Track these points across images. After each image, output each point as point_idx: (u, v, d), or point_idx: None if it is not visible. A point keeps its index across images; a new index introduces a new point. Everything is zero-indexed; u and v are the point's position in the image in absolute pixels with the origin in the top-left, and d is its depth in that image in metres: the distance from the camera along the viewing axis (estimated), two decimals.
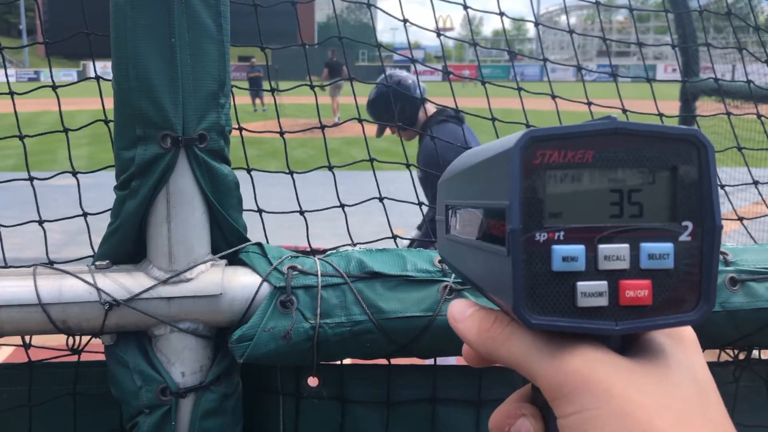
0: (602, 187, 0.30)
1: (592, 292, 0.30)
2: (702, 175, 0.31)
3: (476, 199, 0.35)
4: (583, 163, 0.30)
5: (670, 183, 0.31)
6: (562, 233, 0.30)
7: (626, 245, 0.30)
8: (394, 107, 2.63)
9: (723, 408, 0.31)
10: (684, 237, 0.31)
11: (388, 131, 2.74)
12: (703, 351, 0.89)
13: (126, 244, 0.75)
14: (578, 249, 0.30)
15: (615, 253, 0.30)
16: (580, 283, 0.30)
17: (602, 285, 0.30)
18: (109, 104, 0.77)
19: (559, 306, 0.30)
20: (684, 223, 0.31)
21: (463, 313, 0.36)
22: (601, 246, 0.30)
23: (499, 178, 0.31)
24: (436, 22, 1.31)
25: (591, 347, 0.30)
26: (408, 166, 1.09)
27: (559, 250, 0.30)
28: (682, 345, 0.33)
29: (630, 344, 0.33)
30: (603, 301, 0.30)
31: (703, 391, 0.31)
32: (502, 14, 1.16)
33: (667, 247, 0.30)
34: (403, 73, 2.74)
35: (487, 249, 0.33)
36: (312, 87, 1.01)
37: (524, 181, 0.30)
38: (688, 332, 0.34)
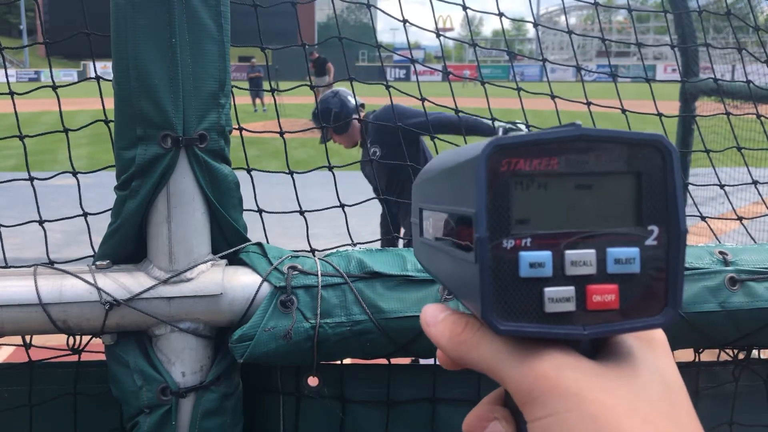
0: (568, 193, 0.31)
1: (559, 297, 0.30)
2: (667, 180, 0.31)
3: (446, 204, 0.35)
4: (549, 170, 0.30)
5: (635, 188, 0.31)
6: (529, 240, 0.30)
7: (593, 251, 0.30)
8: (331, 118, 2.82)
9: (692, 410, 0.31)
10: (650, 241, 0.31)
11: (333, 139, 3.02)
12: (703, 351, 0.89)
13: (126, 244, 0.76)
14: (545, 255, 0.30)
15: (581, 258, 0.30)
16: (547, 289, 0.30)
17: (569, 290, 0.30)
18: (110, 104, 0.77)
19: (527, 312, 0.30)
20: (650, 228, 0.31)
21: (436, 318, 0.36)
22: (567, 252, 0.30)
23: (467, 186, 0.31)
24: (436, 23, 1.31)
25: (560, 351, 0.31)
26: (408, 166, 1.09)
27: (527, 256, 0.30)
28: (651, 347, 0.33)
29: (599, 348, 0.33)
30: (570, 306, 0.30)
31: (671, 393, 0.31)
32: (501, 15, 1.16)
33: (633, 251, 0.31)
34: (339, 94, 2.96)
35: (456, 255, 0.33)
36: (312, 87, 1.01)
37: (491, 189, 0.30)
38: (657, 335, 0.35)
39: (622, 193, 0.31)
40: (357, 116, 2.72)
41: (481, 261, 0.30)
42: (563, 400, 0.29)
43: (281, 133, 0.98)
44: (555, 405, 0.29)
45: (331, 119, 2.80)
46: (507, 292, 0.30)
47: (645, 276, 0.31)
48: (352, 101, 2.93)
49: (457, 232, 0.33)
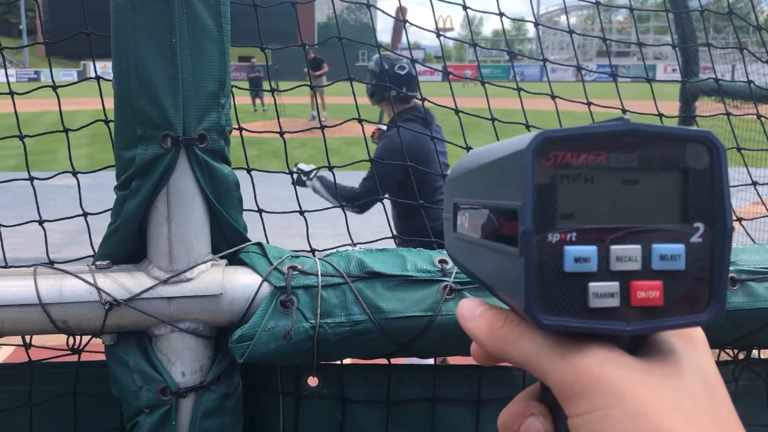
0: (614, 188, 0.30)
1: (603, 292, 0.30)
2: (714, 177, 0.31)
3: (486, 198, 0.35)
4: (596, 165, 0.30)
5: (681, 184, 0.31)
6: (574, 234, 0.30)
7: (638, 246, 0.30)
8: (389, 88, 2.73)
9: (732, 408, 0.31)
10: (695, 238, 0.31)
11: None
12: None
13: (126, 244, 0.76)
14: (590, 250, 0.30)
15: (627, 254, 0.30)
16: (591, 284, 0.30)
17: (614, 286, 0.30)
18: (110, 104, 0.77)
19: (570, 306, 0.30)
20: (695, 225, 0.31)
21: (473, 312, 0.36)
22: (613, 247, 0.30)
23: (511, 179, 0.31)
24: (436, 23, 1.31)
25: (602, 347, 0.31)
26: (409, 167, 1.09)
27: (572, 250, 0.30)
28: (692, 345, 0.33)
29: (640, 344, 0.33)
30: (614, 302, 0.30)
31: (712, 391, 0.31)
32: (501, 14, 1.16)
33: (679, 248, 0.30)
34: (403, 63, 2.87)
35: (498, 249, 0.33)
36: (312, 87, 1.01)
37: (537, 182, 0.30)
38: (697, 333, 0.34)
39: (668, 189, 0.31)
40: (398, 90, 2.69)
41: (526, 255, 0.30)
42: (606, 396, 0.29)
43: (281, 133, 0.98)
44: (597, 400, 0.29)
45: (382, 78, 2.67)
46: (551, 287, 0.30)
47: (689, 273, 0.31)
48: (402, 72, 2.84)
49: (500, 226, 0.33)
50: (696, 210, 0.31)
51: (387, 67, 2.75)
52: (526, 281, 0.30)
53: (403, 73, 2.83)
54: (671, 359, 0.31)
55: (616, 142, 0.30)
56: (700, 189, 0.31)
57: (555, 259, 0.30)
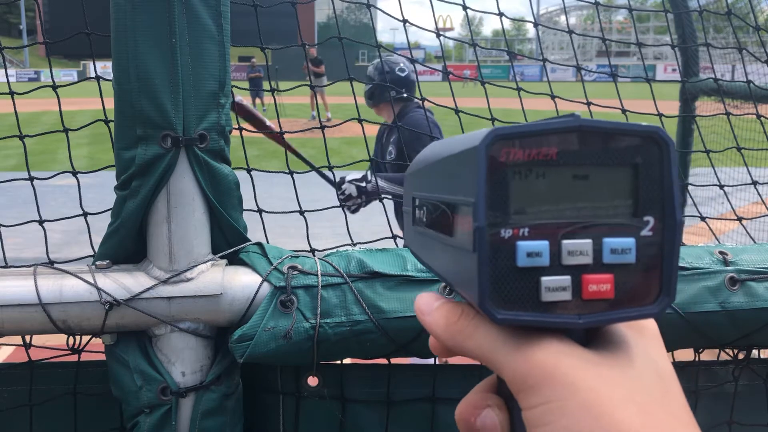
0: (566, 184, 0.31)
1: (556, 286, 0.31)
2: (663, 171, 0.31)
3: (442, 193, 0.35)
4: (547, 161, 0.31)
5: (632, 179, 0.31)
6: (526, 229, 0.31)
7: (589, 240, 0.31)
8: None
9: (684, 399, 0.31)
10: (645, 232, 0.31)
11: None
12: (703, 351, 0.89)
13: (126, 244, 0.76)
14: (542, 245, 0.30)
15: (578, 248, 0.31)
16: (544, 278, 0.31)
17: (566, 280, 0.31)
18: (110, 104, 0.77)
19: (523, 300, 0.31)
20: (646, 218, 0.31)
21: (430, 306, 0.37)
22: (564, 241, 0.31)
23: (465, 175, 0.32)
24: (436, 23, 1.31)
25: (556, 340, 0.31)
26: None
27: (524, 246, 0.30)
28: (643, 337, 0.34)
29: (593, 337, 0.33)
30: (567, 296, 0.31)
31: (664, 382, 0.31)
32: (501, 14, 1.16)
33: (629, 242, 0.31)
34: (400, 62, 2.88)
35: (453, 244, 0.33)
36: (312, 87, 1.01)
37: (489, 179, 0.30)
38: (649, 324, 0.35)
39: (618, 183, 0.31)
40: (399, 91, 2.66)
41: (479, 250, 0.30)
42: (559, 388, 0.29)
43: (281, 133, 0.98)
44: (551, 393, 0.29)
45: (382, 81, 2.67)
46: (504, 281, 0.31)
47: (640, 266, 0.31)
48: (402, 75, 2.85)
49: (454, 221, 0.33)
50: (646, 204, 0.31)
51: (387, 70, 2.76)
52: (480, 276, 0.30)
53: (403, 75, 2.84)
54: (623, 351, 0.32)
55: (567, 138, 0.31)
56: (650, 183, 0.31)
57: (508, 254, 0.30)
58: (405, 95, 2.73)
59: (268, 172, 0.96)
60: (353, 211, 2.46)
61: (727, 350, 0.90)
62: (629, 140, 0.31)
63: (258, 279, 0.75)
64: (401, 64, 2.85)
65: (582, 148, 0.31)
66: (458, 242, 0.33)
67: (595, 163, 0.31)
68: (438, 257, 0.37)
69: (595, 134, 0.31)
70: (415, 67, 1.47)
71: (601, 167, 0.31)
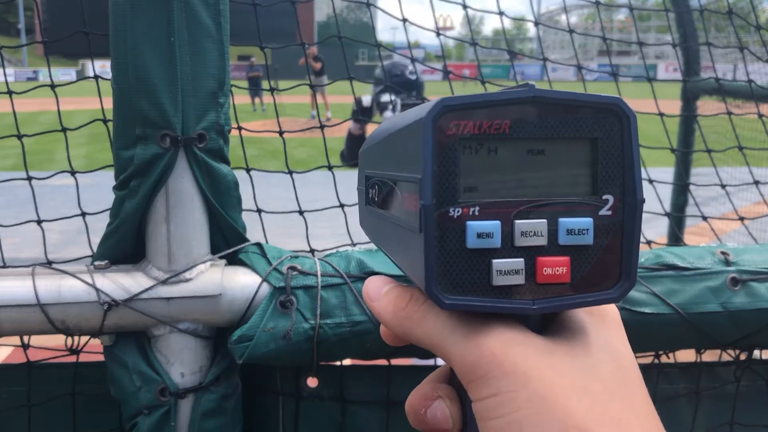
0: (519, 160, 0.29)
1: (508, 269, 0.29)
2: (624, 147, 0.29)
3: (391, 170, 0.33)
4: (500, 134, 0.28)
5: (590, 154, 0.29)
6: (477, 208, 0.28)
7: (544, 221, 0.29)
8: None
9: (644, 388, 0.30)
10: (604, 211, 0.29)
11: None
12: (705, 351, 0.89)
13: (125, 244, 0.75)
14: (494, 225, 0.28)
15: (532, 228, 0.29)
16: (495, 261, 0.29)
17: (519, 262, 0.29)
18: (108, 104, 0.77)
19: (474, 285, 0.29)
20: (605, 197, 0.29)
21: (379, 292, 0.34)
22: (517, 222, 0.29)
23: (413, 150, 0.29)
24: (436, 22, 1.30)
25: (507, 327, 0.29)
26: None
27: (474, 226, 0.28)
28: (603, 323, 0.32)
29: (549, 323, 0.32)
30: (520, 279, 0.29)
31: (623, 371, 0.30)
32: (501, 14, 1.15)
33: (587, 222, 0.29)
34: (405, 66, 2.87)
35: (401, 224, 0.31)
36: (312, 87, 1.01)
37: (437, 154, 0.28)
38: (610, 310, 0.33)
39: (576, 159, 0.29)
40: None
41: (425, 230, 0.28)
42: (510, 379, 0.28)
43: (281, 133, 0.98)
44: (501, 384, 0.28)
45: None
46: (453, 264, 0.29)
47: (598, 248, 0.29)
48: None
49: (403, 200, 0.31)
50: (605, 181, 0.29)
51: (398, 73, 2.77)
52: (426, 259, 0.28)
53: (413, 78, 2.85)
54: (581, 338, 0.30)
55: (521, 110, 0.28)
56: (609, 159, 0.29)
57: (457, 235, 0.28)
58: (419, 97, 2.74)
59: (268, 171, 0.96)
60: (359, 122, 2.40)
61: (728, 351, 0.90)
62: (588, 112, 0.29)
63: (257, 279, 0.74)
64: (410, 67, 2.86)
65: (537, 121, 0.29)
66: (405, 222, 0.31)
67: (552, 137, 0.29)
68: (388, 239, 0.35)
69: (551, 105, 0.29)
70: (415, 66, 1.47)
71: (557, 141, 0.29)
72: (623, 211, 0.29)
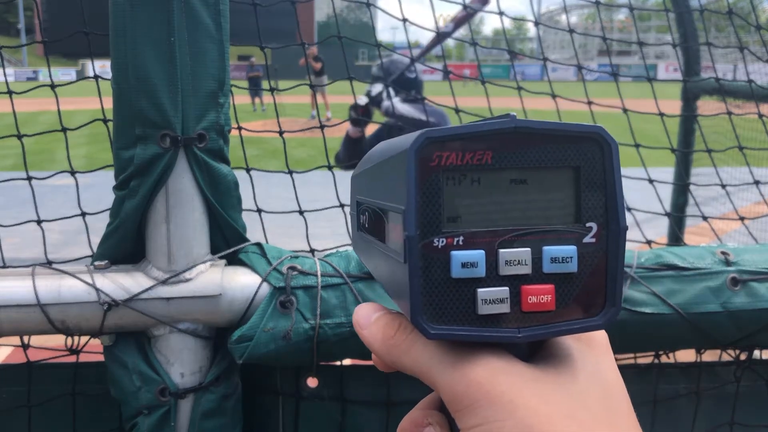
0: (502, 189, 0.29)
1: (493, 298, 0.29)
2: (606, 175, 0.30)
3: (378, 199, 0.34)
4: (482, 165, 0.29)
5: (573, 183, 0.30)
6: (461, 238, 0.29)
7: (528, 249, 0.29)
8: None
9: (632, 414, 0.30)
10: (588, 239, 0.30)
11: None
12: (705, 351, 0.89)
13: (125, 244, 0.75)
14: (478, 254, 0.29)
15: (516, 257, 0.29)
16: (480, 290, 0.29)
17: (503, 291, 0.29)
18: (108, 104, 0.77)
19: (459, 314, 0.29)
20: (588, 225, 0.30)
21: (368, 319, 0.35)
22: (501, 251, 0.29)
23: (397, 180, 0.30)
24: (436, 22, 1.30)
25: (494, 356, 0.29)
26: None
27: (459, 255, 0.29)
28: (591, 349, 0.32)
29: (536, 350, 0.32)
30: (505, 308, 0.29)
31: (611, 398, 0.30)
32: (501, 14, 1.15)
33: (570, 250, 0.29)
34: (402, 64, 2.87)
35: (388, 253, 0.32)
36: (312, 87, 1.01)
37: (420, 185, 0.28)
38: (598, 335, 0.33)
39: (559, 188, 0.30)
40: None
41: (410, 261, 0.28)
42: (497, 408, 0.28)
43: (281, 133, 0.98)
44: (488, 413, 0.28)
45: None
46: (438, 294, 0.29)
47: (583, 275, 0.30)
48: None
49: (390, 229, 0.31)
50: (588, 209, 0.30)
51: (397, 72, 2.77)
52: (412, 289, 0.28)
53: (412, 77, 2.85)
54: (567, 365, 0.30)
55: (503, 140, 0.29)
56: (592, 187, 0.30)
57: (441, 264, 0.29)
58: (419, 96, 2.73)
59: (268, 171, 0.96)
60: (358, 125, 2.40)
61: (728, 351, 0.90)
62: (569, 141, 0.29)
63: (257, 279, 0.74)
64: (409, 65, 2.86)
65: (519, 151, 0.29)
66: (392, 252, 0.31)
67: (534, 167, 0.29)
68: (378, 266, 0.35)
69: (532, 135, 0.29)
70: (415, 66, 1.47)
71: (539, 171, 0.29)
72: (607, 239, 0.30)
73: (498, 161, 0.29)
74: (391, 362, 0.33)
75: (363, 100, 2.65)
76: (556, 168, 0.29)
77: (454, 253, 0.29)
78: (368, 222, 0.36)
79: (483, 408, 0.28)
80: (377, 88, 2.62)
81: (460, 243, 0.29)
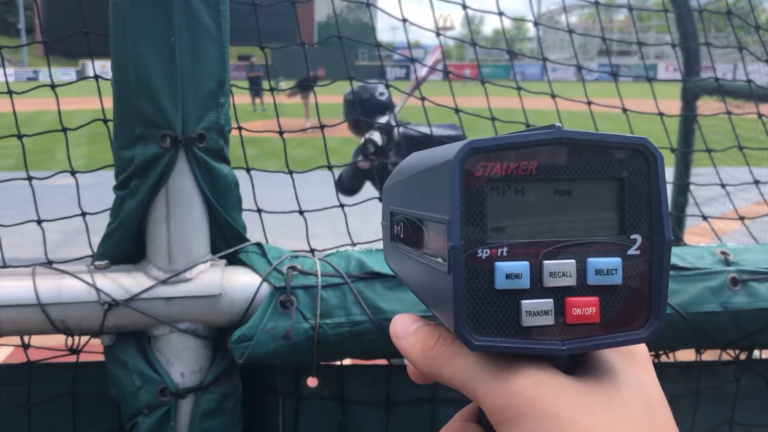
0: (547, 200, 0.29)
1: (537, 310, 0.29)
2: (651, 186, 0.29)
3: (417, 209, 0.33)
4: (527, 175, 0.29)
5: (617, 194, 0.29)
6: (505, 249, 0.29)
7: (572, 261, 0.29)
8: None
9: (674, 426, 0.30)
10: (633, 251, 0.29)
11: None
12: (704, 351, 0.89)
13: (125, 244, 0.75)
14: (522, 265, 0.29)
15: (561, 269, 0.29)
16: (524, 302, 0.29)
17: (548, 303, 0.29)
18: (108, 104, 0.77)
19: (503, 326, 0.29)
20: (633, 237, 0.29)
21: (406, 330, 0.34)
22: (546, 262, 0.29)
23: (440, 191, 0.30)
24: (436, 22, 1.30)
25: (537, 368, 0.29)
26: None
27: (503, 267, 0.28)
28: (632, 362, 0.32)
29: (578, 363, 0.32)
30: (549, 320, 0.29)
31: (653, 410, 0.30)
32: (501, 14, 1.15)
33: (615, 261, 0.29)
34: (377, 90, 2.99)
35: (429, 263, 0.31)
36: (312, 87, 1.01)
37: (465, 195, 0.28)
38: (639, 349, 0.33)
39: (603, 199, 0.29)
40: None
41: (454, 272, 0.28)
42: (540, 421, 0.28)
43: (281, 133, 0.98)
44: (532, 426, 0.28)
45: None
46: (481, 305, 0.29)
47: (627, 287, 0.29)
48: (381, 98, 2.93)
49: (430, 240, 0.31)
50: (633, 221, 0.29)
51: (368, 97, 2.80)
52: (455, 300, 0.28)
53: (384, 99, 2.88)
54: (610, 378, 0.30)
55: (548, 151, 0.29)
56: (637, 199, 0.29)
57: (485, 276, 0.28)
58: (390, 125, 2.77)
59: (268, 171, 0.96)
60: (371, 156, 2.45)
61: (728, 351, 0.90)
62: (614, 153, 0.29)
63: (257, 279, 0.74)
64: (380, 88, 2.91)
65: (564, 162, 0.29)
66: (433, 263, 0.31)
67: (578, 178, 0.29)
68: (415, 277, 0.35)
69: (577, 146, 0.29)
70: (414, 67, 1.47)
71: (584, 182, 0.29)
72: (651, 251, 0.30)
73: (543, 172, 0.29)
74: (431, 373, 0.33)
75: (378, 137, 2.68)
76: (600, 179, 0.29)
77: (498, 264, 0.28)
78: (404, 232, 0.36)
79: (526, 420, 0.28)
80: (377, 136, 2.67)
81: (504, 254, 0.29)
